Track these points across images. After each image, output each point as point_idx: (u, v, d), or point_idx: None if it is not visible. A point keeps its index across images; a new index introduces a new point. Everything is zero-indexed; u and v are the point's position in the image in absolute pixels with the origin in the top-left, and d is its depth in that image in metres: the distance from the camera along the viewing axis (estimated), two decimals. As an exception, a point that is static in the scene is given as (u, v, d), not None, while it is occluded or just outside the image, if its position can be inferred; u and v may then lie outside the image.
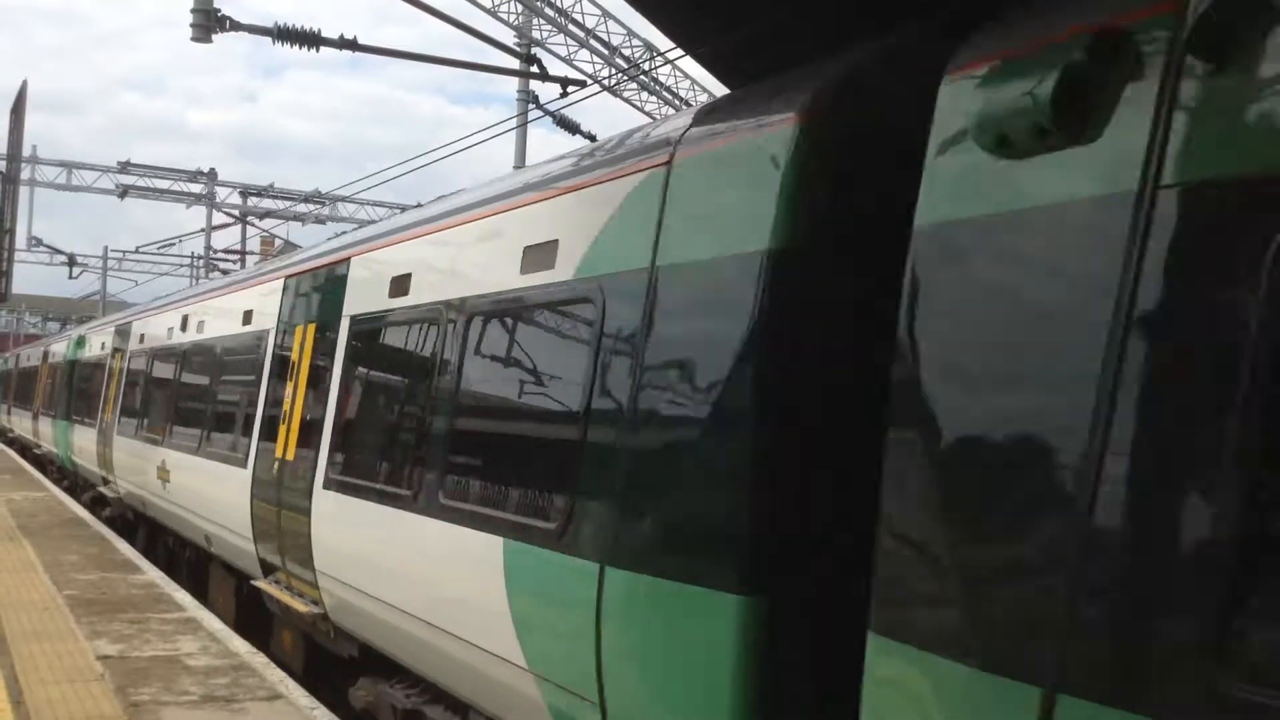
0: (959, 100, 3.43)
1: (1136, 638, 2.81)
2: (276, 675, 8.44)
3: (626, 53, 26.72)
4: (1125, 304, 2.87)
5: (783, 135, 4.27)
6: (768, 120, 4.44)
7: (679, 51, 6.96)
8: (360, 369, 8.38)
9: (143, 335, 17.32)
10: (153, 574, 12.93)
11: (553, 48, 24.99)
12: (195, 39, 14.20)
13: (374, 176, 64.26)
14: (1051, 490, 3.03)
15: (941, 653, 3.25)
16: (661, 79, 27.38)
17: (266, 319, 10.76)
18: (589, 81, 17.96)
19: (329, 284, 9.27)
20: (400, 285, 7.67)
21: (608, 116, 71.69)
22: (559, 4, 25.37)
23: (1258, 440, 2.59)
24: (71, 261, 50.52)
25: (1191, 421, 2.75)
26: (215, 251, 38.06)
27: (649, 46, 26.36)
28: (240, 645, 9.39)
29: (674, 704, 4.48)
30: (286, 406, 9.56)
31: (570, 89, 15.34)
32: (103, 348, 20.83)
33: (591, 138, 16.92)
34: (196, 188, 40.47)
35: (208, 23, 14.06)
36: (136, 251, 50.73)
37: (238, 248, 36.10)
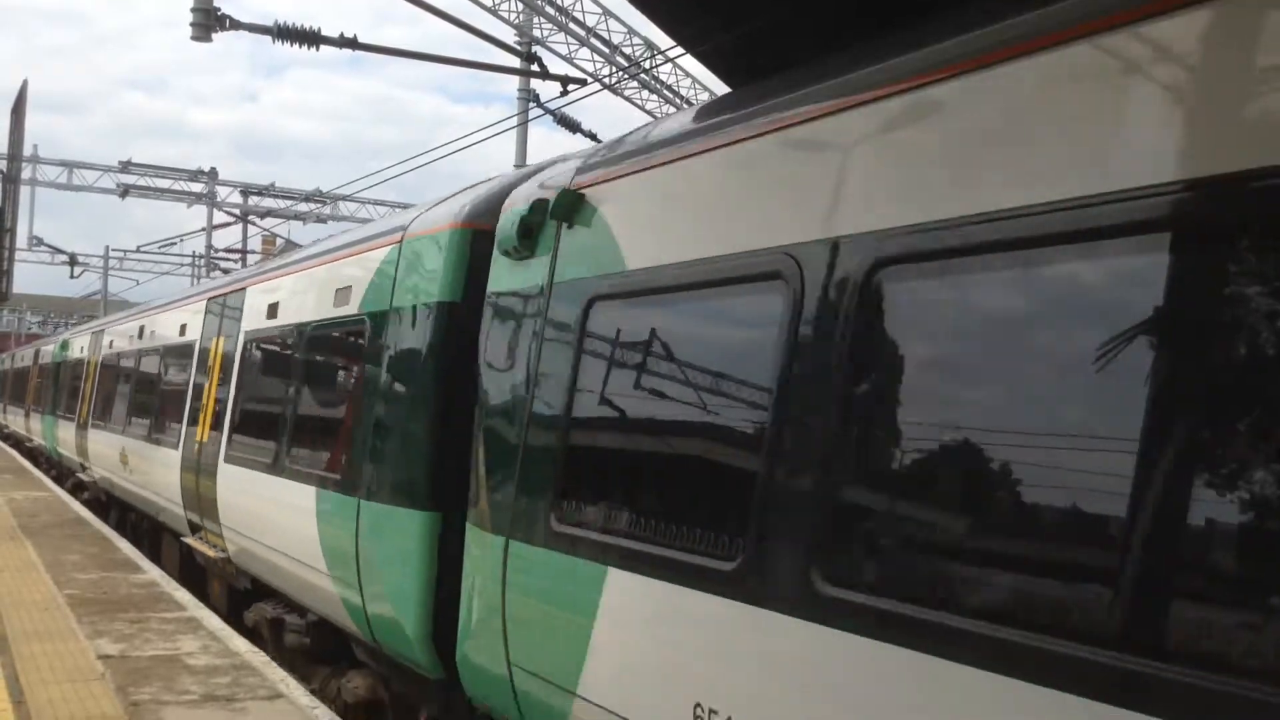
0: (502, 227, 6.37)
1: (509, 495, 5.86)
2: (277, 674, 8.44)
3: (627, 51, 26.70)
4: (536, 347, 5.86)
5: (449, 233, 7.14)
6: (441, 224, 7.32)
7: (680, 50, 6.96)
8: (250, 372, 11.14)
9: (111, 341, 20.34)
10: (153, 573, 12.94)
11: (553, 46, 24.98)
12: (195, 38, 14.21)
13: (375, 175, 64.21)
14: (504, 443, 6.02)
15: (486, 528, 6.07)
16: (662, 77, 27.37)
17: (194, 331, 13.65)
18: (589, 80, 17.96)
19: (233, 306, 11.99)
20: (273, 310, 10.49)
21: (609, 115, 71.70)
22: (559, 2, 25.35)
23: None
24: (73, 261, 50.55)
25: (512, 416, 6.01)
26: (216, 251, 38.04)
27: (650, 45, 26.35)
28: (241, 644, 9.39)
29: (394, 582, 7.16)
30: (204, 400, 12.39)
31: (571, 87, 15.34)
32: (81, 351, 23.92)
33: (593, 136, 16.92)
34: (197, 187, 40.46)
35: (208, 22, 14.07)
36: (138, 251, 50.83)
37: (239, 247, 36.07)
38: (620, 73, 25.43)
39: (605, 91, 22.82)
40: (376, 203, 41.86)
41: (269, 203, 38.78)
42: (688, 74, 27.88)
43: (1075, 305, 3.21)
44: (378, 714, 8.38)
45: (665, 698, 4.54)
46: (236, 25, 14.17)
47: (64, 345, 27.40)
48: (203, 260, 39.53)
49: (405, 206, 24.11)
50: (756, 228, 4.41)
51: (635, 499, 5.02)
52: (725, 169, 4.75)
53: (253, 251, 35.46)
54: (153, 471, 14.46)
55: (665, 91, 27.39)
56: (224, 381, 11.68)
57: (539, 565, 5.55)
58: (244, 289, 11.73)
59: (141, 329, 17.44)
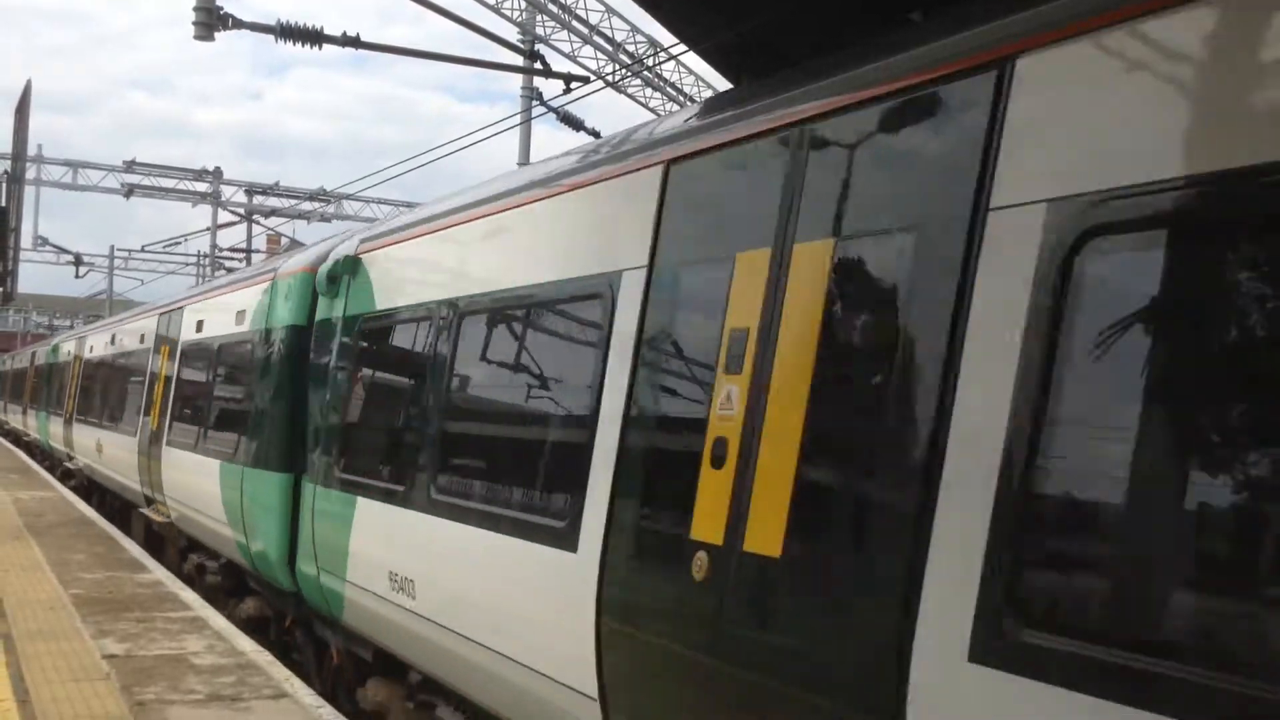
0: (319, 276, 9.41)
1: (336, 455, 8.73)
2: (282, 674, 8.44)
3: (630, 49, 26.67)
4: (335, 357, 9.00)
5: (297, 277, 10.14)
6: (295, 270, 10.28)
7: (683, 47, 6.94)
8: (185, 373, 14.37)
9: (91, 347, 23.77)
10: (159, 573, 12.96)
11: (556, 44, 24.92)
12: (198, 37, 14.18)
13: (379, 174, 64.27)
14: (319, 422, 9.04)
15: (311, 480, 9.07)
16: (665, 75, 27.34)
17: (149, 340, 17.01)
18: (593, 78, 17.93)
19: (175, 321, 15.35)
20: (199, 326, 13.90)
21: (613, 113, 71.59)
22: (562, 0, 25.33)
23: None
24: (78, 261, 50.62)
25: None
26: (221, 250, 38.05)
27: (653, 42, 26.32)
28: (246, 644, 9.39)
29: (264, 525, 9.87)
30: (155, 396, 15.57)
31: (574, 85, 15.31)
32: (67, 355, 27.54)
33: (595, 134, 16.89)
34: (202, 186, 40.45)
35: (210, 21, 14.04)
36: (142, 250, 50.87)
37: (243, 246, 36.07)
38: (623, 70, 25.40)
39: (609, 89, 22.78)
40: (380, 201, 41.83)
41: (273, 202, 38.73)
42: (691, 71, 27.85)
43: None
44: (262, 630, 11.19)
45: (379, 571, 7.55)
46: (239, 24, 14.15)
47: (54, 350, 31.22)
48: (207, 260, 39.54)
49: (410, 205, 24.08)
50: (426, 290, 7.66)
51: (371, 455, 8.24)
52: (415, 251, 8.10)
53: (258, 251, 35.44)
54: (119, 456, 17.65)
55: (669, 89, 27.37)
56: (167, 381, 15.04)
57: (328, 500, 8.66)
58: (182, 308, 15.22)
59: (113, 337, 21.14)
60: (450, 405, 6.95)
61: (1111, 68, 3.20)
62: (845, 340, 3.92)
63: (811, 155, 4.17)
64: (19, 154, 21.08)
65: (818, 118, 4.17)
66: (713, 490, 4.34)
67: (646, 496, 4.86)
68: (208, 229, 39.37)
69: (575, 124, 16.84)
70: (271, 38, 14.06)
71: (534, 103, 19.69)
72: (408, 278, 8.12)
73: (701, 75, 27.63)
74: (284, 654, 10.18)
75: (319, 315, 9.46)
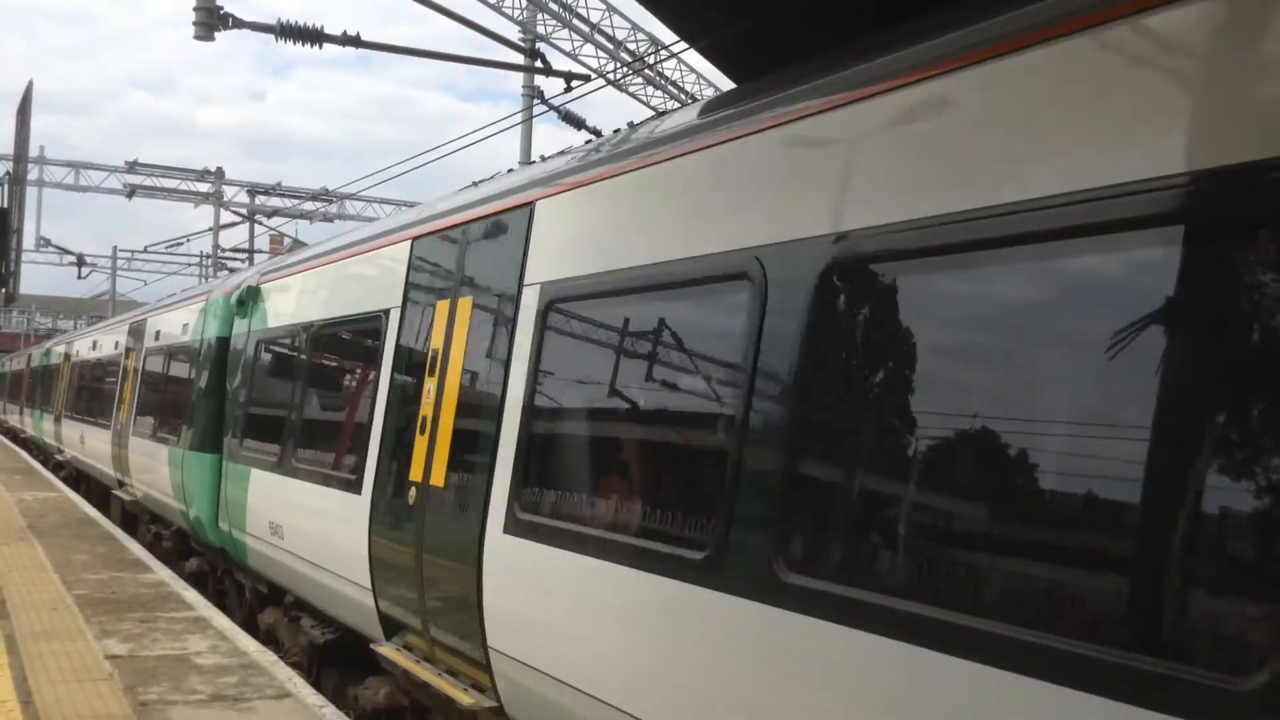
0: (234, 298, 12.38)
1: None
2: (285, 674, 8.44)
3: (631, 47, 26.66)
4: (243, 363, 11.91)
5: (223, 298, 12.75)
6: (223, 291, 12.93)
7: (683, 45, 6.93)
8: (146, 374, 17.05)
9: (78, 350, 26.49)
10: (162, 573, 12.97)
11: (557, 43, 24.93)
12: (198, 37, 14.19)
13: (381, 174, 64.19)
14: (232, 412, 12.04)
15: (228, 458, 11.85)
16: (666, 73, 27.32)
17: (121, 346, 19.84)
18: (594, 76, 17.92)
19: (141, 330, 18.16)
20: (157, 335, 16.66)
21: (615, 111, 71.58)
22: (564, -1, 25.31)
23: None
24: (80, 261, 50.68)
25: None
26: (223, 250, 38.07)
27: (654, 40, 26.30)
28: (249, 644, 9.40)
29: (199, 496, 12.27)
30: (124, 395, 18.38)
31: (575, 84, 15.31)
32: (57, 358, 30.48)
33: (596, 132, 16.88)
34: (204, 187, 40.53)
35: (210, 20, 14.05)
36: (145, 251, 50.91)
37: (245, 246, 36.09)
38: (624, 69, 25.38)
39: (610, 87, 22.76)
40: (383, 201, 41.84)
41: (275, 202, 38.78)
42: (692, 69, 27.83)
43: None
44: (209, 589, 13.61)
45: (264, 521, 10.16)
46: (239, 24, 14.15)
47: (46, 353, 35.12)
48: (210, 260, 39.55)
49: (412, 204, 24.09)
50: (294, 314, 10.42)
51: (259, 435, 10.90)
52: (290, 284, 10.84)
53: (260, 251, 35.45)
54: (97, 446, 20.62)
55: (670, 87, 27.34)
56: (134, 382, 17.78)
57: (235, 473, 11.32)
58: (146, 319, 18.16)
59: (94, 343, 24.14)
60: (302, 398, 9.98)
61: (574, 209, 5.91)
62: (477, 354, 6.59)
63: (464, 246, 7.13)
64: (21, 155, 21.06)
65: (461, 224, 7.21)
66: (421, 449, 7.01)
67: (393, 456, 7.55)
68: (210, 229, 39.40)
69: (576, 122, 16.82)
70: (273, 37, 14.08)
71: (535, 101, 19.67)
72: (283, 305, 11.02)
73: (703, 73, 27.63)
74: (219, 599, 12.71)
75: (235, 331, 12.29)
